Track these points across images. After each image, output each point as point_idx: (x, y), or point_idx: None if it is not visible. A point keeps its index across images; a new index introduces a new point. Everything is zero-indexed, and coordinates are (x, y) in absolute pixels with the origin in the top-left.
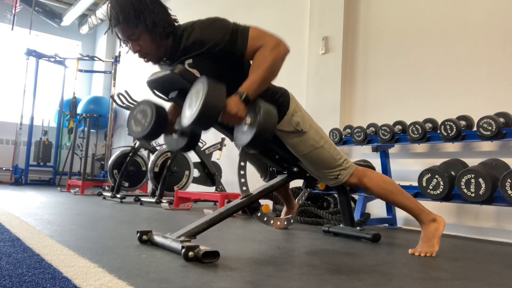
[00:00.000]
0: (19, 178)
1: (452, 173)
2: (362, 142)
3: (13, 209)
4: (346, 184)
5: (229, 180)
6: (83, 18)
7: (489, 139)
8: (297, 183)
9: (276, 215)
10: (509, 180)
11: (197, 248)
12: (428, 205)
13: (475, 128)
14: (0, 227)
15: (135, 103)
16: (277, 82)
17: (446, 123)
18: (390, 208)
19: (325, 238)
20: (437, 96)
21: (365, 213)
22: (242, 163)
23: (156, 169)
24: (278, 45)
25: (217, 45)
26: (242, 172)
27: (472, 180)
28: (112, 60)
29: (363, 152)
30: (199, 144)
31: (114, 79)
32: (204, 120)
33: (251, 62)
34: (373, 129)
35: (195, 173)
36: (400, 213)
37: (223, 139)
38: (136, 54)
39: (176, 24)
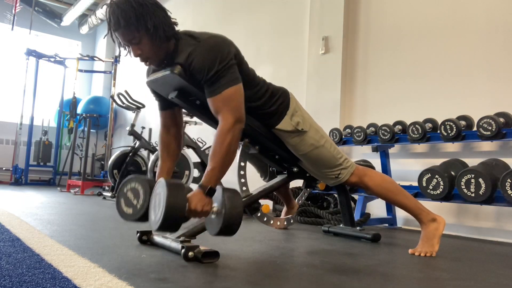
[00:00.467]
0: (19, 178)
1: (452, 173)
2: (362, 142)
3: (13, 209)
4: (347, 183)
5: (229, 180)
6: (83, 18)
7: (489, 139)
8: (297, 183)
9: (276, 215)
10: (509, 180)
11: (197, 248)
12: (428, 205)
13: (475, 128)
14: (0, 227)
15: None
16: (277, 82)
17: (446, 123)
18: (390, 208)
19: (325, 238)
20: (437, 96)
21: (365, 213)
22: (242, 163)
23: (156, 169)
24: (235, 124)
25: (197, 74)
26: (242, 172)
27: (472, 180)
28: (112, 60)
29: (363, 152)
30: (199, 144)
31: (114, 79)
32: (169, 225)
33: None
34: (373, 129)
35: (195, 173)
36: (400, 213)
37: None
38: (137, 58)
39: (176, 27)
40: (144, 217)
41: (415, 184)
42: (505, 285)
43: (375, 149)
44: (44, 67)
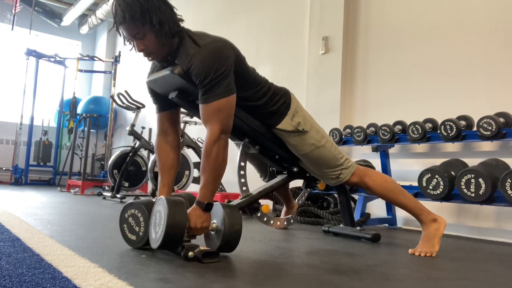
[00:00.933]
0: (19, 178)
1: (452, 173)
2: (362, 142)
3: (13, 209)
4: (347, 183)
5: (229, 180)
6: (83, 18)
7: (489, 139)
8: (297, 183)
9: (276, 215)
10: (509, 180)
11: (197, 248)
12: (428, 205)
13: (475, 128)
14: (0, 227)
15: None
16: (277, 82)
17: (446, 123)
18: (390, 208)
19: (325, 238)
20: (437, 96)
21: (365, 213)
22: (242, 163)
23: (156, 169)
24: (220, 134)
25: (193, 78)
26: (242, 172)
27: (472, 180)
28: (112, 60)
29: (363, 152)
30: (199, 144)
31: (114, 79)
32: (169, 244)
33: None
34: (373, 129)
35: (195, 173)
36: (400, 213)
37: None
38: (141, 53)
39: (181, 23)
40: (148, 243)
41: (415, 184)
42: (505, 285)
43: (375, 149)
44: (44, 67)
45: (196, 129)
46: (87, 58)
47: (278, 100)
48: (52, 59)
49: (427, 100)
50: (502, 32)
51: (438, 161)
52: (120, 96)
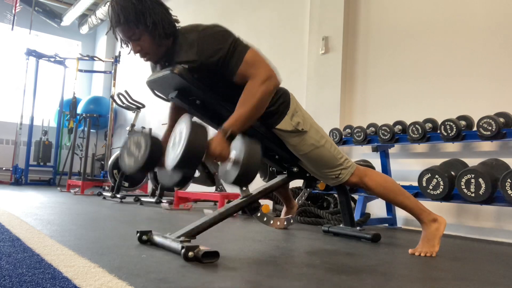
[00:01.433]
0: (19, 178)
1: (452, 173)
2: (362, 142)
3: (13, 209)
4: (347, 183)
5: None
6: (83, 18)
7: (489, 139)
8: (297, 183)
9: (276, 215)
10: (509, 180)
11: (197, 248)
12: (428, 205)
13: (475, 128)
14: (0, 227)
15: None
16: None
17: (446, 123)
18: (390, 208)
19: (325, 238)
20: (437, 96)
21: (365, 213)
22: None
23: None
24: (269, 78)
25: (211, 58)
26: None
27: (472, 180)
28: (112, 60)
29: (363, 152)
30: None
31: (114, 79)
32: (188, 164)
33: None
34: (373, 129)
35: (195, 173)
36: (400, 213)
37: None
38: (137, 54)
39: (177, 24)
40: (144, 168)
41: (415, 184)
42: (505, 285)
43: (375, 149)
44: (44, 67)
45: None
46: (87, 58)
47: (277, 100)
48: (52, 59)
49: (427, 100)
50: (502, 32)
51: (438, 161)
52: (120, 96)
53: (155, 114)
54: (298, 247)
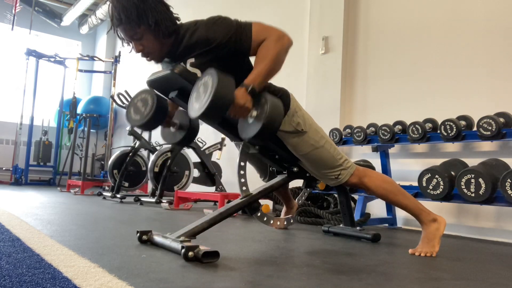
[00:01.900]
0: (19, 178)
1: (452, 173)
2: (362, 142)
3: (13, 209)
4: (347, 184)
5: (229, 180)
6: (83, 18)
7: (489, 139)
8: (297, 183)
9: (276, 215)
10: (509, 180)
11: (197, 248)
12: (428, 205)
13: (475, 128)
14: (0, 227)
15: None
16: (277, 82)
17: (446, 123)
18: (390, 208)
19: (325, 238)
20: (437, 96)
21: (365, 213)
22: (242, 163)
23: (156, 169)
24: (282, 37)
25: (222, 43)
26: (242, 172)
27: (472, 180)
28: (112, 60)
29: (363, 152)
30: (199, 144)
31: (114, 79)
32: (214, 111)
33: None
34: (373, 129)
35: (195, 173)
36: (400, 213)
37: (223, 139)
38: (139, 54)
39: (178, 22)
40: (149, 123)
41: (415, 184)
42: (505, 285)
43: (375, 149)
44: (44, 67)
45: None
46: (87, 58)
47: None
48: (52, 59)
49: (427, 100)
50: (502, 32)
51: (438, 161)
52: (120, 96)
53: None
54: (298, 247)
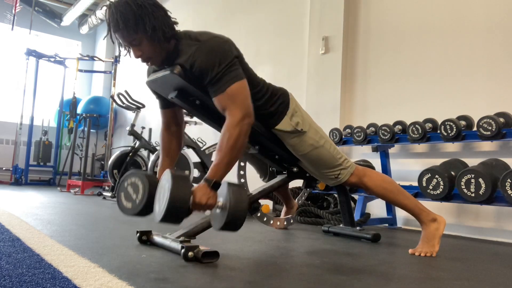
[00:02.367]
0: (19, 178)
1: (452, 173)
2: (362, 142)
3: (13, 209)
4: (347, 183)
5: (229, 180)
6: (83, 18)
7: (489, 139)
8: (297, 183)
9: (276, 215)
10: (509, 180)
11: (196, 248)
12: (428, 205)
13: (475, 128)
14: (0, 227)
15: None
16: (277, 82)
17: (446, 123)
18: (390, 208)
19: (325, 238)
20: (437, 96)
21: (365, 213)
22: (242, 163)
23: (156, 169)
24: (243, 118)
25: (201, 73)
26: (242, 172)
27: (472, 180)
28: (112, 60)
29: (363, 152)
30: (199, 144)
31: (114, 79)
32: (172, 217)
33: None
34: (373, 129)
35: (195, 173)
36: (400, 213)
37: None
38: (139, 59)
39: (175, 26)
40: (143, 211)
41: (415, 184)
42: (505, 285)
43: (375, 149)
44: (44, 67)
45: (196, 129)
46: (87, 58)
47: (277, 101)
48: (52, 59)
49: (427, 100)
50: (502, 32)
51: (438, 161)
52: (120, 96)
53: (155, 114)
54: (298, 247)
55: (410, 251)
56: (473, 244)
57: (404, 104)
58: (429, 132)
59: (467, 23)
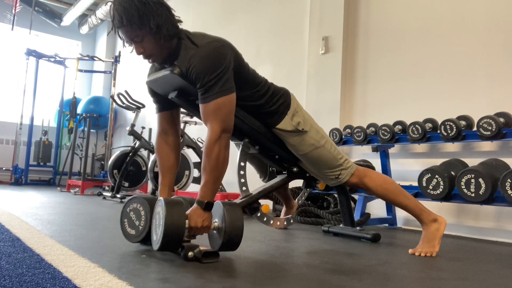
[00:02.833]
0: (19, 178)
1: (452, 173)
2: (362, 142)
3: (13, 209)
4: (347, 184)
5: (229, 180)
6: (83, 18)
7: (489, 139)
8: (297, 183)
9: (276, 215)
10: (509, 180)
11: (197, 248)
12: (428, 205)
13: (475, 128)
14: (0, 227)
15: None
16: (277, 82)
17: (446, 123)
18: (390, 208)
19: (325, 238)
20: (437, 96)
21: (365, 213)
22: (242, 163)
23: (156, 169)
24: (221, 133)
25: (194, 78)
26: (242, 172)
27: (472, 180)
28: (112, 60)
29: (363, 152)
30: (199, 144)
31: (114, 79)
32: (169, 245)
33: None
34: (373, 129)
35: (195, 173)
36: (400, 213)
37: None
38: (140, 56)
39: (179, 24)
40: (146, 238)
41: (415, 184)
42: (505, 285)
43: (375, 149)
44: (44, 67)
45: (196, 129)
46: (87, 58)
47: (278, 100)
48: (52, 59)
49: (427, 100)
50: (502, 32)
51: (438, 161)
52: (120, 96)
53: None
54: (298, 247)
55: (410, 251)
56: (473, 244)
57: (404, 104)
58: (429, 132)
59: (467, 23)
